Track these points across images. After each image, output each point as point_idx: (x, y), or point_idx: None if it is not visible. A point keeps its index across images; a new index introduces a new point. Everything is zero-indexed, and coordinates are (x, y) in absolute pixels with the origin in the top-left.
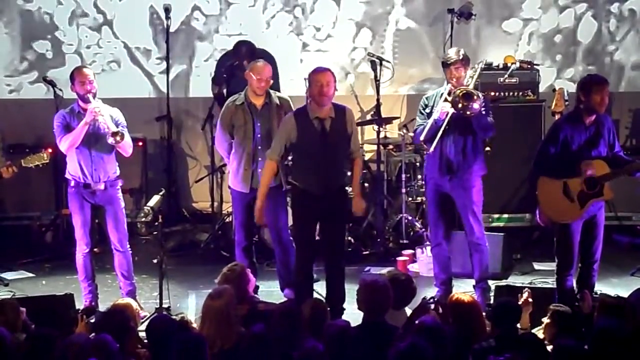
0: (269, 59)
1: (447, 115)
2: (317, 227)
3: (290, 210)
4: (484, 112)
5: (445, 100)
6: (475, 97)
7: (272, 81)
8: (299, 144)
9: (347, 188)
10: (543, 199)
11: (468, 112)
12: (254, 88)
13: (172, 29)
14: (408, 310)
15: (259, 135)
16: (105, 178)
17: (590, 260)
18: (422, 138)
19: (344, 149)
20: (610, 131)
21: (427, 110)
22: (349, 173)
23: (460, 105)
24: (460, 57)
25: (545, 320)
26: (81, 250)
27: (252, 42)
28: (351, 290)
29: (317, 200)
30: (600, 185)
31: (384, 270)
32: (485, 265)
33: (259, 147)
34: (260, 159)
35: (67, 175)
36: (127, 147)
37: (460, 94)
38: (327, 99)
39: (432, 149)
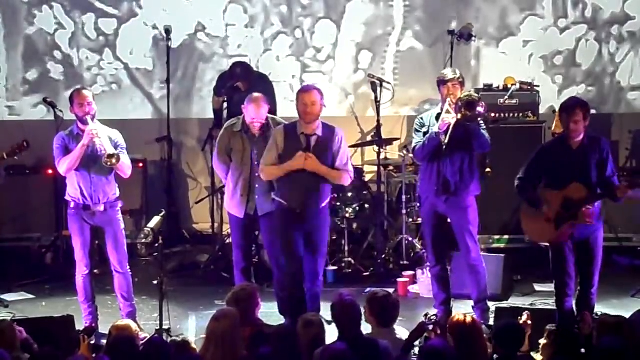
0: (266, 83)
1: (448, 127)
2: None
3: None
4: (481, 127)
5: (447, 112)
6: (478, 102)
7: (267, 117)
8: (284, 156)
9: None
10: (524, 218)
11: (479, 119)
12: (249, 124)
13: (172, 50)
14: (402, 330)
15: (255, 163)
16: (104, 199)
17: (587, 284)
18: (444, 137)
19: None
20: (603, 154)
21: (424, 130)
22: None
23: (463, 111)
24: (457, 74)
25: (543, 341)
26: (81, 271)
27: (247, 63)
28: None
29: (298, 217)
30: (575, 208)
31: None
32: (483, 286)
33: (256, 175)
34: (257, 185)
35: (67, 197)
36: (125, 168)
37: (466, 100)
38: (311, 117)
39: (447, 139)
